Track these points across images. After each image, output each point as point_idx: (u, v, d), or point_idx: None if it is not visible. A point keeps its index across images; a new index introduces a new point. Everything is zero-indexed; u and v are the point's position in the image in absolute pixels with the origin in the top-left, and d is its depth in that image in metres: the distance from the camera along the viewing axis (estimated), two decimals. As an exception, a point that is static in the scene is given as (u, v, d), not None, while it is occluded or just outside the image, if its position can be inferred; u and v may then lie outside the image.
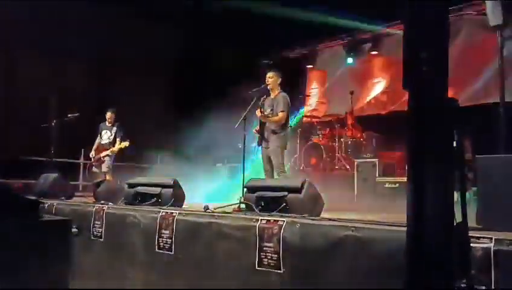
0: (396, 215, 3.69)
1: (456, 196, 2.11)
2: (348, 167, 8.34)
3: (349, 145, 8.70)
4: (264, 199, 4.09)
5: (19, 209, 3.11)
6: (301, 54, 12.35)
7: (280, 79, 6.19)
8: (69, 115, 8.26)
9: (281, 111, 5.90)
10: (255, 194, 4.19)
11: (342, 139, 8.78)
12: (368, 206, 6.17)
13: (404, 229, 2.09)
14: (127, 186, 5.49)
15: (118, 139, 8.23)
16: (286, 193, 3.93)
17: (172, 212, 4.19)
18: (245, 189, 4.52)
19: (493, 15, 5.03)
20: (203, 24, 10.61)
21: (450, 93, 1.94)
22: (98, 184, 6.06)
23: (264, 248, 3.29)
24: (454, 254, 1.95)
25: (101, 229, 4.89)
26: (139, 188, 5.25)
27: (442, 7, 1.95)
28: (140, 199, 5.15)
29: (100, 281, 4.70)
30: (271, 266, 3.23)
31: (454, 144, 2.13)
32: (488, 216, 2.87)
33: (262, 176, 6.09)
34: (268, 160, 5.96)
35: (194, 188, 6.49)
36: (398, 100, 9.87)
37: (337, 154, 8.67)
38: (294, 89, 11.48)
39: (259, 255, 3.31)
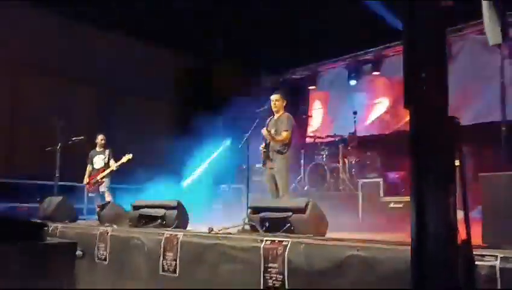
0: (401, 235, 3.68)
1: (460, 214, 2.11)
2: (352, 187, 8.32)
3: (353, 165, 8.70)
4: (268, 220, 4.09)
5: (24, 232, 3.13)
6: (303, 75, 12.45)
7: (285, 101, 6.23)
8: (74, 138, 8.30)
9: (285, 130, 5.92)
10: (260, 215, 4.19)
11: (345, 160, 8.78)
12: (373, 226, 6.14)
13: (409, 248, 2.10)
14: (131, 208, 5.50)
15: (111, 161, 8.22)
16: (290, 214, 3.92)
17: (176, 234, 4.18)
18: (249, 210, 4.52)
19: (493, 34, 5.08)
20: (205, 45, 10.74)
21: (451, 112, 1.97)
22: (103, 207, 6.07)
23: (269, 269, 3.28)
24: (459, 272, 1.94)
25: (105, 252, 4.88)
26: (143, 210, 5.26)
27: (440, 28, 1.99)
28: (144, 221, 5.15)
29: (104, 305, 4.68)
30: (276, 287, 3.21)
31: (457, 162, 2.15)
32: (493, 234, 2.86)
33: (267, 196, 6.09)
34: (273, 180, 5.95)
35: (198, 209, 6.49)
36: (401, 120, 9.91)
37: (341, 175, 8.66)
38: (297, 109, 11.57)
39: (264, 276, 3.30)
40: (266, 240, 3.42)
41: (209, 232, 4.17)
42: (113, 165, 8.12)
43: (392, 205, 7.04)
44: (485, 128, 7.89)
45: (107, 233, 4.95)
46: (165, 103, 11.62)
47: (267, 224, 4.09)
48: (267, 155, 6.00)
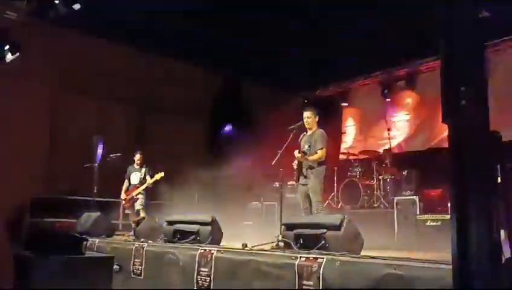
0: (439, 254, 3.58)
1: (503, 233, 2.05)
2: (387, 204, 8.17)
3: (388, 182, 8.55)
4: (302, 237, 4.07)
5: (64, 246, 3.22)
6: (335, 91, 12.41)
7: (317, 117, 6.22)
8: (111, 155, 8.52)
9: (320, 149, 5.88)
10: (293, 232, 4.17)
11: (380, 177, 8.65)
12: (409, 244, 5.99)
13: (449, 267, 2.04)
14: (166, 223, 5.57)
15: (147, 178, 8.37)
16: (325, 230, 3.89)
17: (210, 250, 4.21)
18: (283, 226, 4.50)
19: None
20: (236, 64, 10.86)
21: (490, 128, 1.93)
22: (138, 222, 6.18)
23: (304, 286, 3.24)
24: (503, 292, 1.88)
25: (140, 267, 4.95)
26: (178, 226, 5.32)
27: (479, 40, 1.97)
28: (179, 236, 5.20)
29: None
30: (311, 305, 3.17)
31: (499, 179, 2.09)
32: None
33: (300, 213, 6.04)
34: (306, 197, 5.91)
35: (231, 226, 6.50)
36: (437, 136, 9.70)
37: (375, 192, 8.52)
38: (329, 126, 11.50)
39: (299, 293, 3.27)
40: (300, 257, 3.39)
41: (243, 248, 4.17)
42: (148, 181, 8.26)
43: (428, 223, 6.86)
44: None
45: (143, 248, 5.02)
46: (198, 121, 11.78)
47: (301, 241, 4.06)
48: (300, 172, 5.97)
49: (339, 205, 8.96)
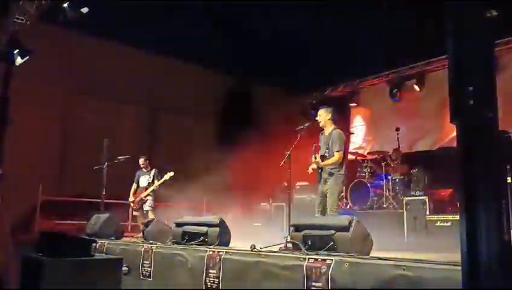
0: (449, 255, 3.55)
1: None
2: (396, 205, 8.13)
3: (397, 182, 8.51)
4: (311, 238, 4.05)
5: (73, 248, 3.24)
6: (344, 91, 12.37)
7: (330, 114, 6.15)
8: (120, 157, 8.56)
9: (337, 151, 5.82)
10: (302, 233, 4.15)
11: (389, 177, 8.61)
12: (419, 245, 5.96)
13: (458, 268, 2.02)
14: (174, 225, 5.59)
15: (156, 180, 8.40)
16: (333, 232, 3.87)
17: (219, 251, 4.21)
18: (291, 227, 4.49)
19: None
20: (248, 64, 10.87)
21: (500, 127, 1.90)
22: (147, 224, 6.19)
23: (313, 288, 3.23)
24: (514, 294, 1.86)
25: (149, 269, 4.96)
26: (186, 228, 5.32)
27: (488, 39, 1.95)
28: (187, 238, 5.21)
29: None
30: (319, 306, 3.16)
31: (509, 179, 2.07)
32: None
33: (308, 214, 6.03)
34: (323, 197, 5.87)
35: (240, 227, 6.50)
36: (446, 136, 9.63)
37: (384, 193, 8.48)
38: (338, 127, 11.46)
39: (307, 295, 3.25)
40: (309, 258, 3.38)
41: (252, 250, 4.16)
42: (155, 183, 8.30)
43: (438, 223, 6.81)
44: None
45: (152, 250, 5.04)
46: (207, 122, 11.81)
47: (309, 242, 4.04)
48: (320, 174, 5.94)
49: (348, 205, 8.92)
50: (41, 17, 7.79)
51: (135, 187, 8.60)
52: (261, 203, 10.12)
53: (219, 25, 9.18)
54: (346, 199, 9.05)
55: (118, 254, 5.36)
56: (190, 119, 11.31)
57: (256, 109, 11.95)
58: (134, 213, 8.65)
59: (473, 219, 1.89)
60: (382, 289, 2.85)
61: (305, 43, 9.49)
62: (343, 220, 3.99)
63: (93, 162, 8.70)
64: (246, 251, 4.17)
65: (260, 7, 8.17)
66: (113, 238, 6.42)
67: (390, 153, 9.11)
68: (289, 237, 4.45)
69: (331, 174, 5.77)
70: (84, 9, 6.97)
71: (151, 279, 4.92)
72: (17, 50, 7.62)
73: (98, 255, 3.78)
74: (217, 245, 4.72)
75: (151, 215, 8.10)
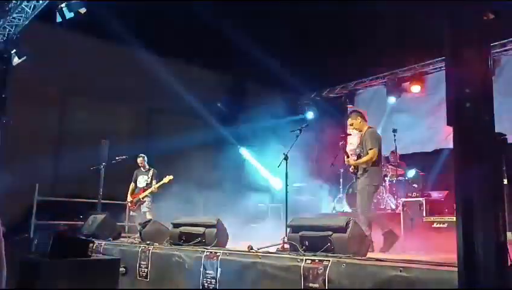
0: (445, 256, 3.56)
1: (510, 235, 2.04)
2: (393, 206, 8.15)
3: (394, 184, 8.53)
4: (308, 239, 4.05)
5: (71, 249, 3.24)
6: (341, 93, 12.39)
7: (359, 117, 6.11)
8: (117, 158, 8.55)
9: (370, 149, 5.82)
10: (299, 234, 4.16)
11: (386, 178, 8.63)
12: (416, 246, 5.95)
13: (455, 269, 2.04)
14: (171, 226, 5.58)
15: (154, 181, 8.40)
16: (331, 233, 3.87)
17: (216, 252, 4.21)
18: (288, 228, 4.49)
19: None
20: (241, 63, 10.88)
21: (496, 129, 1.92)
22: (144, 225, 6.18)
23: (310, 289, 3.24)
24: (510, 294, 1.87)
25: (146, 269, 4.96)
26: (184, 228, 5.32)
27: (484, 42, 1.96)
28: (184, 238, 5.21)
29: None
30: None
31: (505, 180, 2.08)
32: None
33: (305, 215, 6.04)
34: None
35: (237, 227, 6.50)
36: (443, 138, 9.66)
37: (381, 194, 8.50)
38: (335, 128, 11.50)
39: (304, 296, 3.26)
40: (306, 259, 3.39)
41: (249, 251, 4.17)
42: (154, 185, 8.29)
43: (435, 224, 6.83)
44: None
45: (149, 251, 5.03)
46: (205, 122, 11.80)
47: (306, 243, 4.05)
48: (356, 172, 5.97)
49: (345, 207, 8.94)
50: (39, 17, 7.80)
51: (133, 187, 8.57)
52: (259, 204, 10.13)
53: (217, 25, 9.16)
54: (343, 200, 9.07)
55: (115, 254, 5.35)
56: (188, 119, 11.30)
57: (254, 109, 11.94)
58: (132, 213, 8.63)
59: (469, 220, 1.90)
60: (379, 290, 2.86)
61: (303, 42, 9.49)
62: (340, 221, 4.00)
63: (90, 163, 8.69)
64: (243, 251, 4.18)
65: (259, 6, 8.17)
66: (110, 239, 6.41)
67: (387, 155, 9.13)
68: (286, 238, 4.46)
69: (363, 173, 5.80)
70: (83, 10, 6.96)
71: (148, 280, 4.91)
72: (14, 50, 7.62)
73: (95, 256, 3.78)
74: (214, 246, 4.72)
75: (149, 216, 8.09)
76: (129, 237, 7.22)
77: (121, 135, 10.11)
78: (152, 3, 8.39)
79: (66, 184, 9.38)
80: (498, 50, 8.90)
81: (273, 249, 4.40)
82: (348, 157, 5.93)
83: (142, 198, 8.36)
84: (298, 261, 3.42)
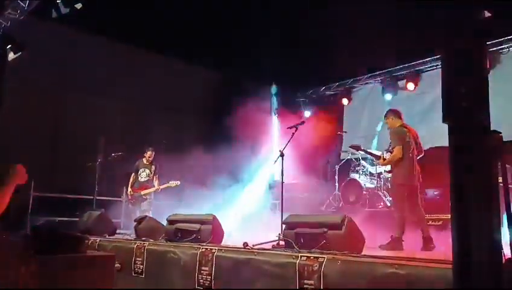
0: (441, 253, 3.58)
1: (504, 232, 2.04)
2: (388, 203, 8.16)
3: (389, 181, 8.54)
4: (303, 236, 4.07)
5: (65, 245, 3.22)
6: (337, 90, 12.40)
7: (391, 116, 6.32)
8: (113, 154, 8.53)
9: (393, 148, 5.94)
10: (294, 231, 4.17)
11: (381, 176, 8.65)
12: (411, 243, 5.98)
13: (449, 266, 2.04)
14: (167, 222, 5.58)
15: (155, 177, 8.39)
16: (326, 230, 3.89)
17: (211, 249, 4.21)
18: (284, 225, 4.50)
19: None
20: (236, 60, 10.86)
21: (491, 127, 1.92)
22: (139, 221, 6.18)
23: (305, 286, 3.25)
24: (504, 292, 1.88)
25: (142, 266, 4.95)
26: (179, 225, 5.32)
27: (480, 40, 1.96)
28: (180, 235, 5.20)
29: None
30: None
31: (500, 179, 2.09)
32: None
33: (300, 212, 6.05)
34: None
35: (233, 224, 6.52)
36: (438, 136, 9.68)
37: (377, 191, 8.51)
38: (331, 125, 11.52)
39: (299, 292, 3.27)
40: (301, 256, 3.40)
41: (244, 247, 4.17)
42: (159, 186, 8.31)
43: (430, 222, 6.85)
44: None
45: (144, 247, 5.03)
46: (199, 119, 11.78)
47: (302, 240, 4.06)
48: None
49: (341, 203, 8.96)
50: (34, 12, 7.75)
51: (134, 178, 8.51)
52: (255, 201, 10.14)
53: (211, 21, 9.15)
54: (339, 197, 9.09)
55: (110, 251, 5.34)
56: (182, 116, 11.29)
57: (247, 105, 11.94)
58: (130, 206, 8.55)
59: (464, 218, 1.91)
60: (374, 288, 2.87)
61: (299, 40, 9.50)
62: (336, 218, 4.02)
63: (86, 159, 8.67)
64: (238, 248, 4.19)
65: (254, 4, 8.18)
66: (105, 235, 6.40)
67: (382, 152, 9.13)
68: (282, 234, 4.47)
69: (390, 172, 5.91)
70: (78, 5, 6.92)
71: (143, 276, 4.91)
72: (9, 45, 7.57)
73: (90, 252, 3.76)
74: (209, 242, 4.73)
75: (149, 215, 8.08)
76: (125, 233, 7.21)
77: (117, 131, 10.07)
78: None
79: (62, 180, 9.35)
80: (494, 49, 8.93)
81: (268, 246, 4.40)
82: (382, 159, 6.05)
83: (145, 195, 8.33)
84: (293, 258, 3.43)
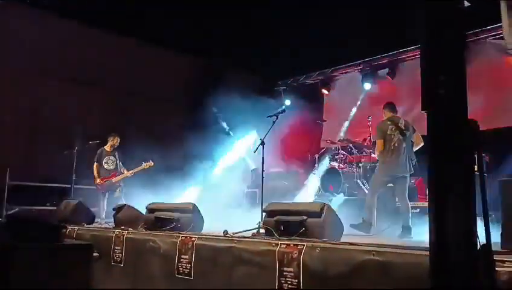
0: (417, 240, 3.65)
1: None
2: (367, 191, 8.25)
3: (368, 170, 8.63)
4: (283, 223, 4.08)
5: (42, 234, 3.18)
6: (317, 79, 12.43)
7: (386, 110, 6.51)
8: (90, 142, 8.40)
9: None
10: (274, 219, 4.19)
11: (360, 164, 8.73)
12: (388, 231, 6.09)
13: (426, 253, 2.08)
14: (146, 211, 5.54)
15: (120, 164, 8.29)
16: (305, 217, 3.92)
17: (191, 237, 4.20)
18: (264, 213, 4.51)
19: (510, 37, 5.03)
20: (217, 48, 10.78)
21: (469, 116, 1.95)
22: (118, 209, 6.12)
23: (284, 273, 3.27)
24: (479, 277, 1.92)
25: (121, 255, 4.92)
26: (159, 213, 5.29)
27: (459, 30, 1.98)
28: (159, 224, 5.18)
29: (120, 307, 4.71)
30: (291, 291, 3.20)
31: (475, 167, 2.13)
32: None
33: (280, 200, 6.08)
34: None
35: (213, 212, 6.50)
36: (419, 124, 9.81)
37: (356, 180, 8.60)
38: (311, 114, 11.57)
39: (279, 280, 3.29)
40: (281, 244, 3.41)
41: (224, 236, 4.18)
42: (133, 170, 8.21)
43: (407, 210, 6.97)
44: (504, 133, 7.82)
45: (123, 236, 4.99)
46: (178, 106, 11.68)
47: (281, 228, 4.08)
48: None
49: (320, 192, 9.03)
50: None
51: (98, 167, 8.30)
52: (236, 189, 10.14)
53: (192, 8, 9.03)
54: (319, 185, 9.16)
55: (89, 240, 5.29)
56: (161, 103, 11.17)
57: (228, 93, 11.88)
58: (101, 195, 8.38)
59: (441, 206, 1.94)
60: (353, 274, 2.90)
61: (279, 28, 9.45)
62: (315, 206, 4.04)
63: (63, 147, 8.52)
64: (218, 236, 4.18)
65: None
66: (84, 224, 6.33)
67: (361, 141, 9.23)
68: (262, 222, 4.48)
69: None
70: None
71: (122, 265, 4.88)
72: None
73: (68, 241, 3.72)
74: (189, 231, 4.72)
75: (123, 201, 7.98)
76: (103, 222, 7.15)
77: (95, 119, 9.92)
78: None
79: (38, 168, 9.19)
80: (471, 39, 9.05)
81: (248, 234, 4.41)
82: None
83: (115, 181, 8.22)
84: (273, 246, 3.44)
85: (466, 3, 1.92)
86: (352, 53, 10.81)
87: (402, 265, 2.67)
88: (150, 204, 5.60)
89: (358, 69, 11.57)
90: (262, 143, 5.85)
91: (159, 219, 5.23)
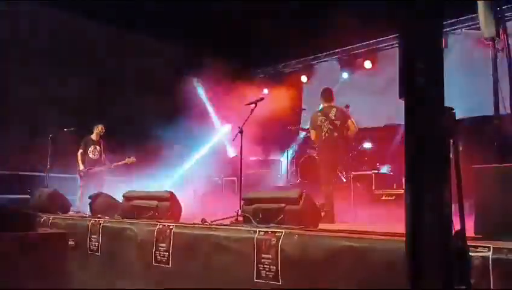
0: (393, 227, 3.69)
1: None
2: (344, 179, 8.33)
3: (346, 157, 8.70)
4: (261, 211, 4.09)
5: (15, 223, 3.10)
6: (296, 68, 12.44)
7: (321, 99, 6.82)
8: (65, 129, 8.25)
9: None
10: (253, 206, 4.19)
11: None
12: (365, 218, 6.18)
13: (402, 239, 2.11)
14: (123, 199, 5.48)
15: (104, 155, 8.23)
16: (283, 205, 3.93)
17: (169, 225, 4.18)
18: (242, 201, 4.51)
19: (487, 27, 5.09)
20: (195, 36, 10.66)
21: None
22: (95, 198, 6.03)
23: (262, 260, 3.28)
24: (453, 262, 1.95)
25: (97, 243, 4.86)
26: (136, 202, 5.24)
27: (437, 18, 1.98)
28: (137, 212, 5.13)
29: (97, 296, 4.66)
30: (269, 278, 3.22)
31: (451, 154, 2.15)
32: (484, 226, 2.88)
33: (259, 189, 6.11)
34: None
35: (191, 200, 6.49)
36: (395, 113, 9.92)
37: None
38: (290, 102, 11.57)
39: (257, 267, 3.30)
40: (259, 231, 3.42)
41: (202, 224, 4.17)
42: (117, 163, 8.14)
43: (384, 197, 7.08)
44: (477, 121, 7.97)
45: (100, 224, 4.93)
46: (159, 94, 11.53)
47: (260, 215, 4.09)
48: None
49: (298, 180, 9.08)
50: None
51: (83, 154, 8.25)
52: (214, 178, 10.12)
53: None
54: (297, 173, 9.20)
55: (64, 228, 5.20)
56: (142, 90, 11.02)
57: (207, 81, 11.78)
58: (81, 183, 8.32)
59: (416, 192, 1.96)
60: (330, 260, 2.93)
61: (258, 15, 9.38)
62: (293, 193, 4.06)
63: (37, 134, 8.34)
64: (196, 224, 4.17)
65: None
66: (59, 213, 6.22)
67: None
68: (240, 210, 4.48)
69: None
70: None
71: (99, 253, 4.83)
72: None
73: (42, 230, 3.65)
74: (167, 219, 4.69)
75: (104, 191, 7.91)
76: (79, 211, 7.04)
77: (69, 105, 9.71)
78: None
79: (11, 156, 8.98)
80: (447, 29, 9.17)
81: (227, 222, 4.41)
82: None
83: (98, 171, 8.14)
84: (251, 233, 3.45)
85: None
86: (332, 42, 10.83)
87: (379, 251, 2.71)
88: (126, 192, 5.53)
89: (336, 58, 11.61)
90: (241, 131, 5.84)
91: (136, 207, 5.18)
